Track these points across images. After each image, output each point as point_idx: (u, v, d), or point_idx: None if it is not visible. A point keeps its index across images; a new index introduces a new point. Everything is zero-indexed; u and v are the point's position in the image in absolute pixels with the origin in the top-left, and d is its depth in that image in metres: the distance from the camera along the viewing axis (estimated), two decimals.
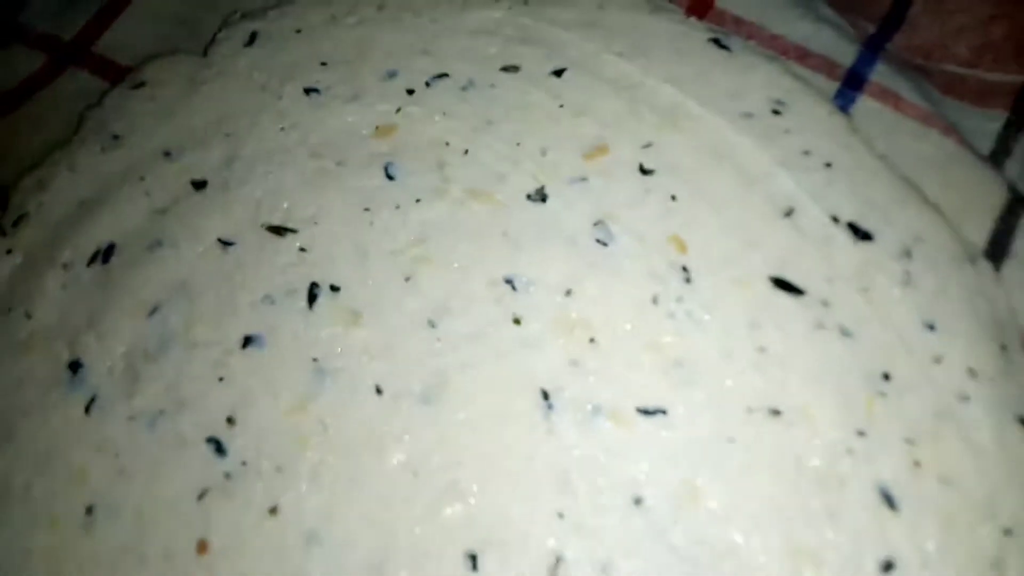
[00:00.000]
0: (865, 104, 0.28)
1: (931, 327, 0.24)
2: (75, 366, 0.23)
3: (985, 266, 0.25)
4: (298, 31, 0.28)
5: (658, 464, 0.22)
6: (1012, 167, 0.30)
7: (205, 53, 0.28)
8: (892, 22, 0.34)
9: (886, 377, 0.23)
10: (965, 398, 0.23)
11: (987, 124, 0.31)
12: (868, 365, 0.23)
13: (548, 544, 0.21)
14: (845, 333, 0.23)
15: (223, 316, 0.23)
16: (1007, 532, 0.21)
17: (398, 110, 0.27)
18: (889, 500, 0.21)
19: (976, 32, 0.33)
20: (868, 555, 0.21)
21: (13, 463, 0.22)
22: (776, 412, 0.22)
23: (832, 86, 0.28)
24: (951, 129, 0.28)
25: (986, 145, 0.30)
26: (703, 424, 0.22)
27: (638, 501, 0.21)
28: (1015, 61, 0.32)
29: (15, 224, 0.25)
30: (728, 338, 0.23)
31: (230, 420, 0.22)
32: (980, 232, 0.26)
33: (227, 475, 0.22)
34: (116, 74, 0.29)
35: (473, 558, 0.21)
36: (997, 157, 0.30)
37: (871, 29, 0.33)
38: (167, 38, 0.29)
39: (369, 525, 0.21)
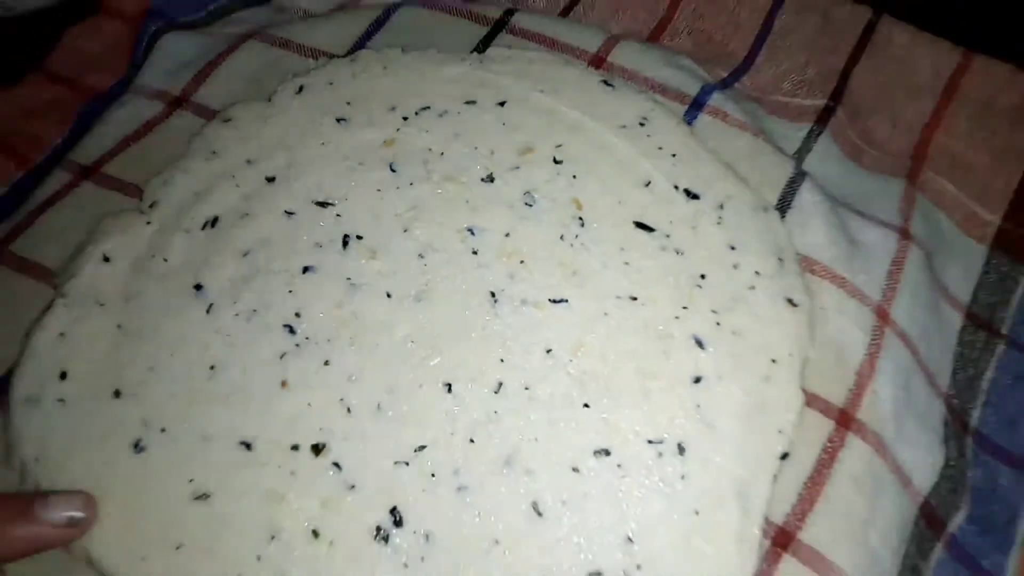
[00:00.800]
0: (703, 119, 0.42)
1: (733, 248, 0.37)
2: (198, 287, 0.36)
3: (774, 213, 0.39)
4: (331, 83, 0.43)
5: (562, 331, 0.35)
6: (809, 159, 0.44)
7: (269, 99, 0.43)
8: (741, 70, 0.49)
9: (703, 276, 0.36)
10: (752, 288, 0.36)
11: (797, 133, 0.46)
12: (692, 271, 0.36)
13: (495, 376, 0.34)
14: (679, 252, 0.37)
15: (290, 256, 0.37)
16: (773, 361, 0.34)
17: (397, 129, 0.41)
18: (700, 344, 0.35)
19: (796, 72, 0.48)
20: (687, 374, 0.34)
21: (160, 346, 0.35)
22: (634, 298, 0.36)
23: (681, 109, 0.43)
24: (760, 132, 0.42)
25: (795, 146, 0.45)
26: (588, 307, 0.36)
27: (549, 351, 0.35)
28: (820, 91, 0.47)
29: (150, 207, 0.39)
30: (606, 257, 0.37)
31: (297, 315, 0.36)
32: (773, 194, 0.40)
33: (297, 345, 0.35)
34: (210, 115, 0.43)
35: (449, 386, 0.34)
36: (800, 153, 0.44)
37: (724, 74, 0.48)
38: (243, 91, 0.44)
39: (383, 371, 0.34)
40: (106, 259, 0.37)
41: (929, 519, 0.35)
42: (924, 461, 0.35)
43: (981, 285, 0.42)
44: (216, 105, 0.43)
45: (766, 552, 0.31)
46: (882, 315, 0.37)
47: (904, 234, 0.40)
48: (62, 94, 0.50)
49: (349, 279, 0.36)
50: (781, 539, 0.32)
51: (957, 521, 0.36)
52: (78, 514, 0.30)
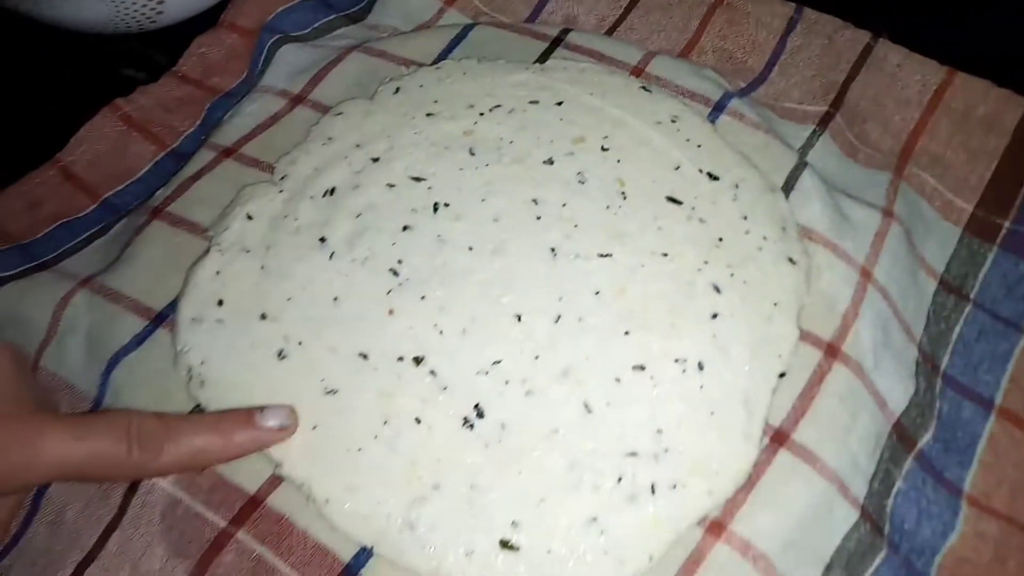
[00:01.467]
0: (723, 119, 0.52)
1: (745, 218, 0.46)
2: (322, 239, 0.46)
3: (780, 193, 0.48)
4: (421, 86, 0.53)
5: (607, 278, 0.44)
6: (812, 154, 0.53)
7: (372, 98, 0.53)
8: (757, 81, 0.58)
9: (720, 239, 0.46)
10: (760, 249, 0.45)
11: (802, 133, 0.55)
12: (712, 235, 0.46)
13: (554, 310, 0.43)
14: (701, 221, 0.46)
15: (392, 217, 0.47)
16: (775, 304, 0.43)
17: (475, 123, 0.51)
18: (717, 289, 0.44)
19: (803, 84, 0.58)
20: (706, 312, 0.43)
21: (295, 282, 0.45)
22: (665, 254, 0.45)
23: (706, 110, 0.52)
24: (771, 131, 0.51)
25: (799, 143, 0.54)
26: (629, 260, 0.45)
27: (597, 293, 0.44)
28: (823, 99, 0.57)
29: (281, 179, 0.49)
30: (643, 223, 0.46)
31: (399, 261, 0.45)
32: (780, 178, 0.49)
33: (400, 284, 0.44)
34: (324, 109, 0.53)
35: (518, 316, 0.43)
36: (804, 149, 0.53)
37: (742, 84, 0.57)
38: (350, 92, 0.54)
39: (467, 305, 0.44)
40: (249, 217, 0.47)
41: (901, 435, 0.43)
42: (897, 389, 0.44)
43: (954, 259, 0.51)
44: (329, 102, 0.54)
45: (765, 447, 0.40)
46: (865, 274, 0.46)
47: (888, 214, 0.49)
48: (191, 93, 0.61)
49: (439, 236, 0.46)
50: (778, 438, 0.40)
51: (925, 439, 0.44)
52: (287, 421, 0.39)
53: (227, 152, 0.52)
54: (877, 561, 0.40)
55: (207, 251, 0.47)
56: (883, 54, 0.58)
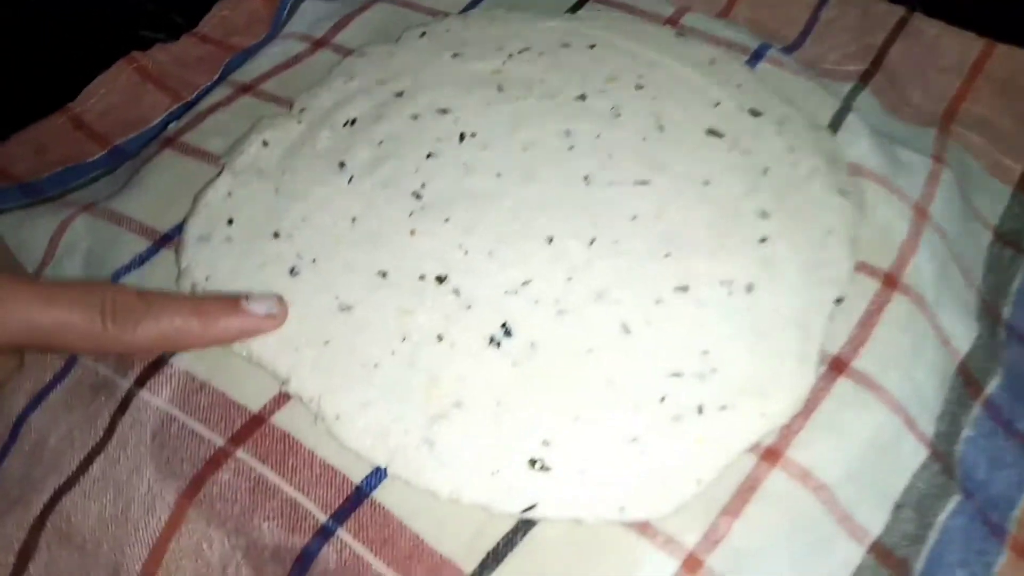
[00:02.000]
0: (762, 66, 0.50)
1: (792, 150, 0.44)
2: (342, 164, 0.44)
3: (827, 130, 0.46)
4: (447, 30, 0.51)
5: (645, 204, 0.41)
6: (855, 105, 0.51)
7: (396, 42, 0.52)
8: (792, 48, 0.57)
9: (767, 169, 0.43)
10: (809, 179, 0.42)
11: (842, 89, 0.53)
12: (757, 165, 0.43)
13: (588, 233, 0.40)
14: (745, 152, 0.44)
15: (416, 146, 0.44)
16: (828, 232, 0.40)
17: (503, 63, 0.49)
18: (765, 215, 0.41)
19: (840, 48, 0.56)
20: (754, 236, 0.40)
21: (311, 203, 0.42)
22: (707, 182, 0.42)
23: (744, 57, 0.51)
24: (813, 75, 0.50)
25: (841, 96, 0.52)
26: (668, 187, 0.42)
27: (635, 217, 0.41)
28: (862, 60, 0.55)
29: (300, 112, 0.47)
30: (682, 154, 0.43)
31: (422, 185, 0.43)
32: (824, 119, 0.47)
33: (422, 208, 0.42)
34: (347, 53, 0.51)
35: (550, 239, 0.40)
36: (847, 100, 0.51)
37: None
38: (374, 38, 0.52)
39: (494, 228, 0.41)
40: (265, 144, 0.45)
41: (967, 379, 0.40)
42: (960, 328, 0.40)
43: (1007, 214, 0.48)
44: (351, 47, 0.52)
45: (823, 373, 0.36)
46: (920, 212, 0.43)
47: (938, 159, 0.46)
48: (211, 52, 0.59)
49: (465, 163, 0.43)
50: (836, 365, 0.37)
51: (992, 387, 0.40)
52: (274, 309, 0.37)
53: (245, 88, 0.50)
54: (951, 505, 0.36)
55: (219, 173, 0.44)
56: (919, 26, 0.56)
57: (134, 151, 0.53)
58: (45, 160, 0.53)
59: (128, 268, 0.42)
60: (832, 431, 0.35)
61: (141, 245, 0.42)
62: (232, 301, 0.37)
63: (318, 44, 0.52)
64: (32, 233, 0.44)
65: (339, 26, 0.53)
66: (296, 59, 0.52)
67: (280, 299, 0.38)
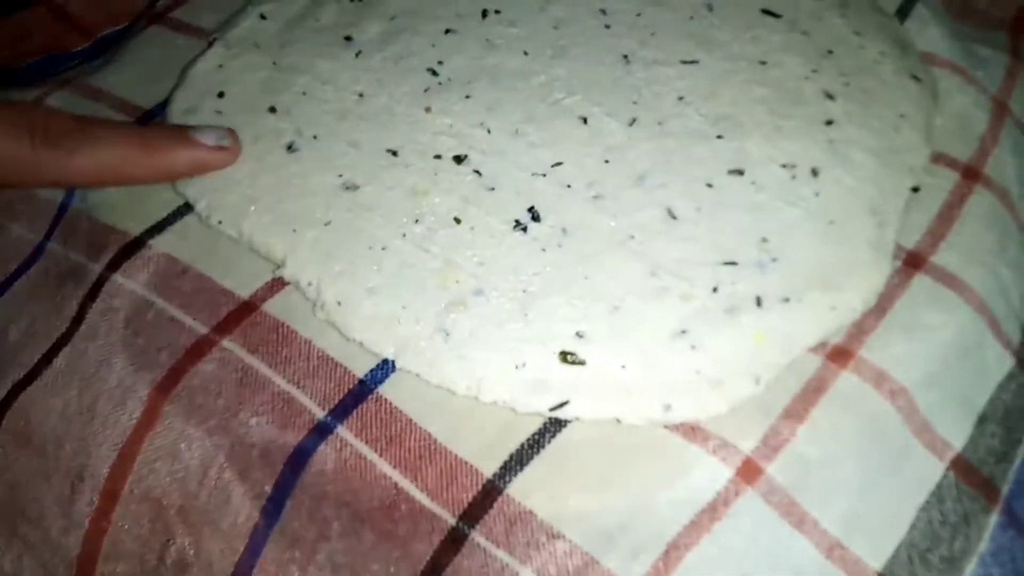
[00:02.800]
0: None
1: (858, 34, 0.39)
2: (348, 38, 0.39)
3: (894, 18, 0.40)
4: None
5: (693, 83, 0.36)
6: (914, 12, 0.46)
7: None
8: None
9: (830, 52, 0.38)
10: (878, 63, 0.37)
11: None
12: (820, 47, 0.38)
13: (628, 114, 0.35)
14: (805, 33, 0.38)
15: (432, 21, 0.39)
16: (901, 115, 0.35)
17: None
18: (830, 96, 0.36)
19: None
20: (819, 117, 0.35)
21: (313, 77, 0.37)
22: (763, 62, 0.37)
23: None
24: None
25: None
26: (719, 66, 0.37)
27: (681, 98, 0.36)
28: None
29: None
30: (734, 32, 0.38)
31: (439, 62, 0.38)
32: (890, 7, 0.42)
33: (439, 83, 0.37)
34: None
35: (584, 119, 0.35)
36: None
37: None
38: None
39: (521, 105, 0.36)
40: (263, 17, 0.40)
41: None
42: None
43: None
44: None
45: (898, 270, 0.32)
46: (999, 104, 0.38)
47: (1015, 54, 0.41)
48: None
49: (488, 40, 0.38)
50: (913, 260, 0.32)
51: None
52: (225, 141, 0.34)
53: None
54: None
55: (209, 45, 0.39)
56: None
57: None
58: (24, 48, 0.48)
59: None
60: (910, 331, 0.30)
61: (121, 120, 0.38)
62: (179, 130, 0.33)
63: None
64: None
65: None
66: None
67: (232, 131, 0.34)
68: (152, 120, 0.37)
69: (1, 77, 0.46)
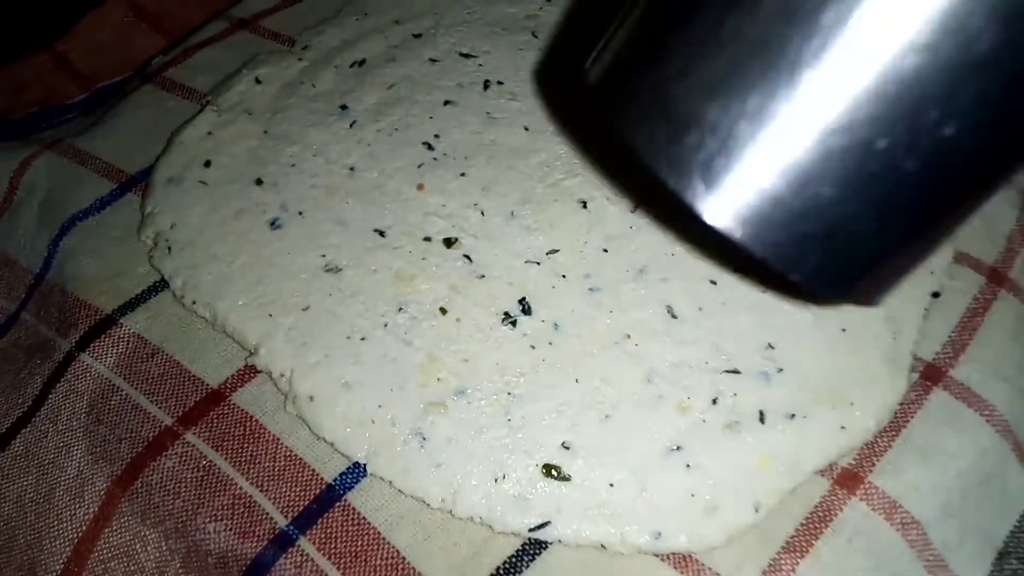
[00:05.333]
0: None
1: None
2: (343, 107, 0.37)
3: None
4: None
5: None
6: None
7: None
8: None
9: None
10: None
11: None
12: None
13: (633, 198, 0.34)
14: None
15: (432, 91, 0.38)
16: None
17: (540, 8, 0.42)
18: None
19: None
20: None
21: (304, 148, 0.36)
22: None
23: None
24: None
25: None
26: None
27: None
28: None
29: (303, 49, 0.41)
30: None
31: (436, 136, 0.36)
32: None
33: (434, 159, 0.35)
34: None
35: (583, 203, 0.34)
36: None
37: None
38: None
39: (518, 186, 0.34)
40: (258, 81, 0.39)
41: None
42: None
43: None
44: None
45: (915, 384, 0.29)
46: None
47: None
48: None
49: (488, 113, 0.37)
50: (931, 374, 0.30)
51: None
52: None
53: (243, 23, 0.44)
54: None
55: (200, 110, 0.38)
56: None
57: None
58: (22, 99, 0.47)
59: (86, 213, 0.35)
60: (926, 455, 0.28)
61: (104, 187, 0.36)
62: None
63: None
64: None
65: None
66: None
67: None
68: (136, 185, 0.36)
69: None
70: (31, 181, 0.38)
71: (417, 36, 0.41)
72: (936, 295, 0.31)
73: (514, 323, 0.30)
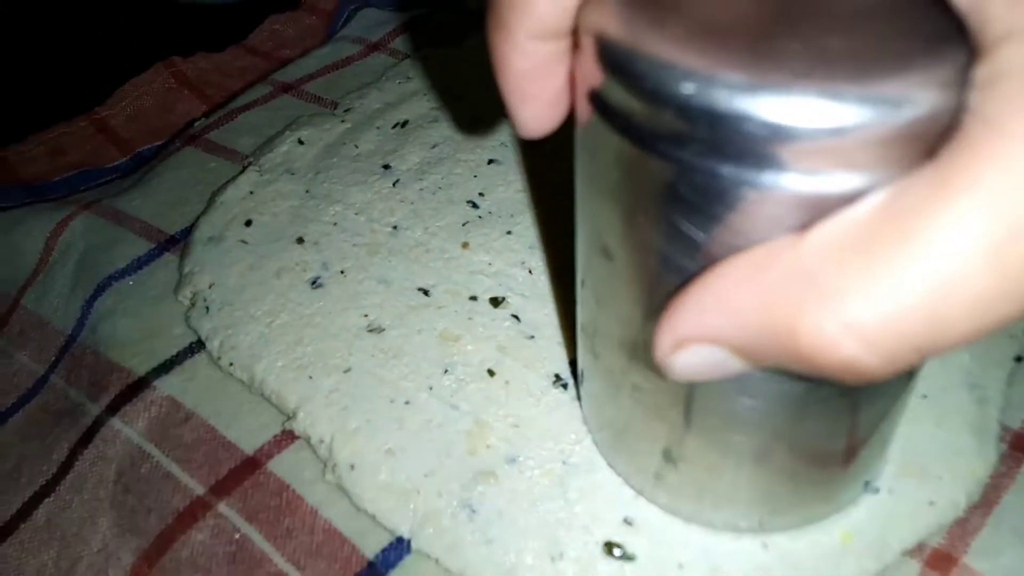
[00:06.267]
0: None
1: None
2: (386, 167, 0.37)
3: None
4: None
5: None
6: None
7: (461, 46, 0.45)
8: None
9: None
10: None
11: None
12: None
13: None
14: None
15: (476, 150, 0.37)
16: None
17: None
18: None
19: None
20: None
21: (347, 207, 0.35)
22: None
23: None
24: None
25: None
26: None
27: None
28: None
29: (345, 111, 0.41)
30: None
31: (480, 194, 0.35)
32: None
33: (479, 217, 0.34)
34: (403, 57, 0.45)
35: None
36: None
37: None
38: (435, 42, 0.47)
39: (557, 231, 0.33)
40: (300, 142, 0.38)
41: None
42: None
43: None
44: (407, 51, 0.46)
45: (1004, 454, 0.27)
46: None
47: None
48: (257, 63, 0.54)
49: (533, 171, 0.36)
50: (1020, 443, 0.27)
51: None
52: None
53: (286, 87, 0.44)
54: None
55: (242, 171, 0.37)
56: None
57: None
58: (60, 163, 0.47)
59: (123, 273, 0.35)
60: (1022, 534, 0.25)
61: (141, 248, 0.35)
62: None
63: (373, 47, 0.47)
64: (26, 233, 0.38)
65: (397, 32, 0.48)
66: (346, 61, 0.46)
67: None
68: (175, 245, 0.35)
69: (33, 190, 0.45)
70: (67, 242, 0.37)
71: (458, 98, 0.41)
72: (1020, 359, 0.29)
73: (565, 386, 0.28)
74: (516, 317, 0.30)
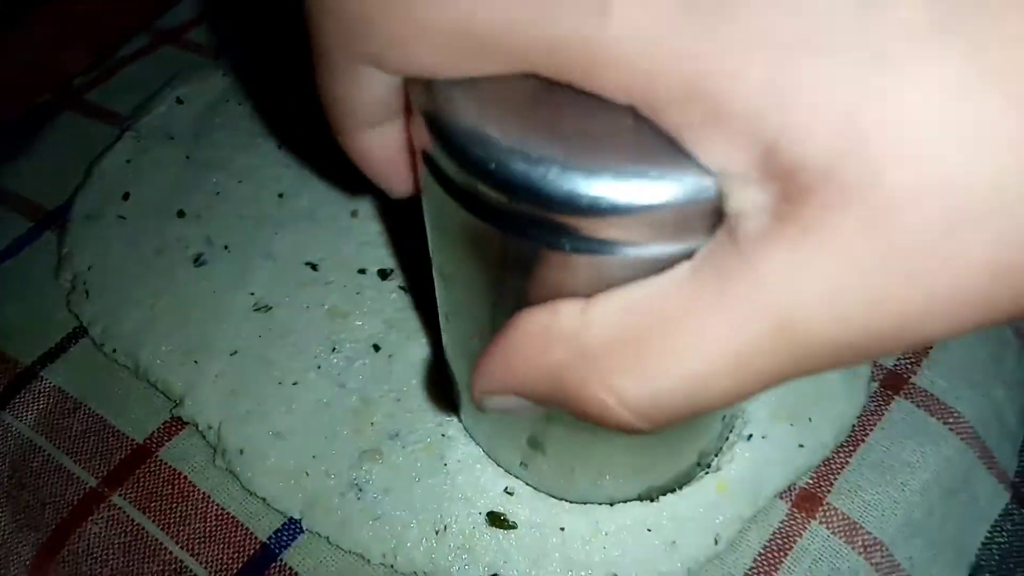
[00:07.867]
0: None
1: None
2: (272, 126, 0.36)
3: None
4: None
5: None
6: None
7: None
8: None
9: None
10: None
11: None
12: None
13: None
14: None
15: None
16: None
17: None
18: None
19: None
20: None
21: (230, 174, 0.34)
22: None
23: None
24: None
25: None
26: None
27: None
28: None
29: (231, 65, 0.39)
30: None
31: None
32: None
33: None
34: None
35: None
36: None
37: None
38: None
39: None
40: (179, 101, 0.37)
41: None
42: None
43: None
44: None
45: (874, 393, 0.28)
46: None
47: None
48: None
49: None
50: (891, 382, 0.28)
51: None
52: None
53: (166, 36, 0.41)
54: None
55: (119, 137, 0.36)
56: None
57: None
58: None
59: (4, 256, 0.34)
60: (885, 471, 0.27)
61: (21, 227, 0.34)
62: None
63: None
64: None
65: None
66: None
67: None
68: (55, 222, 0.34)
69: None
70: None
71: None
72: None
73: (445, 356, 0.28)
74: (403, 288, 0.30)
